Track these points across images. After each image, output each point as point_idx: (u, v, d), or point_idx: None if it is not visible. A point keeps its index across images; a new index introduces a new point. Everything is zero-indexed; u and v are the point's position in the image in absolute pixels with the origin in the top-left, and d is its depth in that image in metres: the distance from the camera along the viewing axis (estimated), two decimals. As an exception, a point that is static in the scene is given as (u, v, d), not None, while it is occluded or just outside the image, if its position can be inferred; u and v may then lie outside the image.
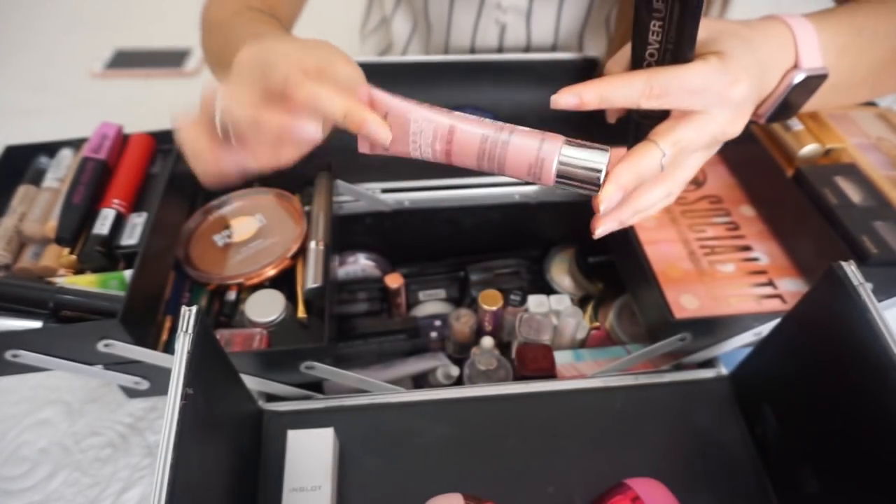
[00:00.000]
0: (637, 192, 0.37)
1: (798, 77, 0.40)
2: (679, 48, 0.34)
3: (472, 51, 0.74)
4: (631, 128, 0.39)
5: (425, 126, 0.34)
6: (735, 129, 0.38)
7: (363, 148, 0.36)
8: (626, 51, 0.37)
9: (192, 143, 0.36)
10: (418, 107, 0.34)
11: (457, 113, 0.34)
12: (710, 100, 0.35)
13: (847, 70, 0.44)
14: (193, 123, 0.36)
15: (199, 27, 0.59)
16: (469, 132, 0.33)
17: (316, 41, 0.38)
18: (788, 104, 0.42)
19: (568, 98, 0.34)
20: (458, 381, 0.53)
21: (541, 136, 0.33)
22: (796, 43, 0.40)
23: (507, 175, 0.34)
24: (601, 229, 0.37)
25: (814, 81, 0.41)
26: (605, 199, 0.34)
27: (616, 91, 0.34)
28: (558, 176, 0.33)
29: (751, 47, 0.37)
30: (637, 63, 0.36)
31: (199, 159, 0.37)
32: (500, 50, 0.74)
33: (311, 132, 0.35)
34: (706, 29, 0.37)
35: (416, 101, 0.34)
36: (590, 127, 0.54)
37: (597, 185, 0.33)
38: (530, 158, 0.32)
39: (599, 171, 0.32)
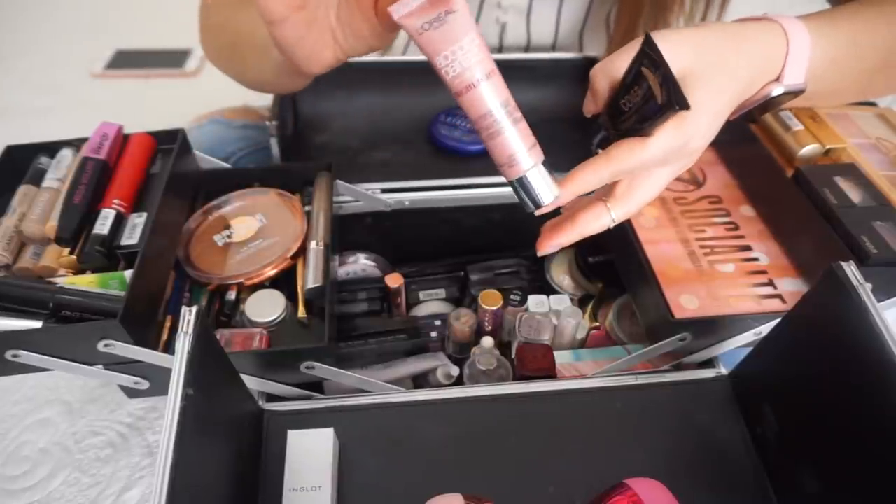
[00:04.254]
0: (580, 222, 0.40)
1: (776, 91, 0.41)
2: (651, 121, 0.35)
3: (473, 50, 0.73)
4: (594, 132, 0.42)
5: (462, 56, 0.33)
6: (688, 167, 0.40)
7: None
8: (613, 66, 0.37)
9: None
10: (475, 31, 0.33)
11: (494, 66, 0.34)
12: (669, 160, 0.37)
13: (835, 77, 0.44)
14: None
15: (200, 31, 0.59)
16: (483, 96, 0.34)
17: None
18: (755, 111, 0.43)
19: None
20: (458, 381, 0.53)
21: (530, 144, 0.35)
22: (786, 58, 0.40)
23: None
24: (542, 253, 0.41)
25: (789, 95, 0.42)
26: (543, 249, 0.40)
27: (585, 187, 0.37)
28: (511, 182, 0.36)
29: (728, 72, 0.38)
30: (619, 94, 0.37)
31: None
32: (500, 49, 0.74)
33: None
34: (693, 46, 0.37)
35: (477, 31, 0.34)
36: (586, 126, 0.54)
37: (532, 209, 0.37)
38: (506, 156, 0.35)
39: (539, 204, 0.36)
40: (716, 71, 0.37)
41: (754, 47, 0.40)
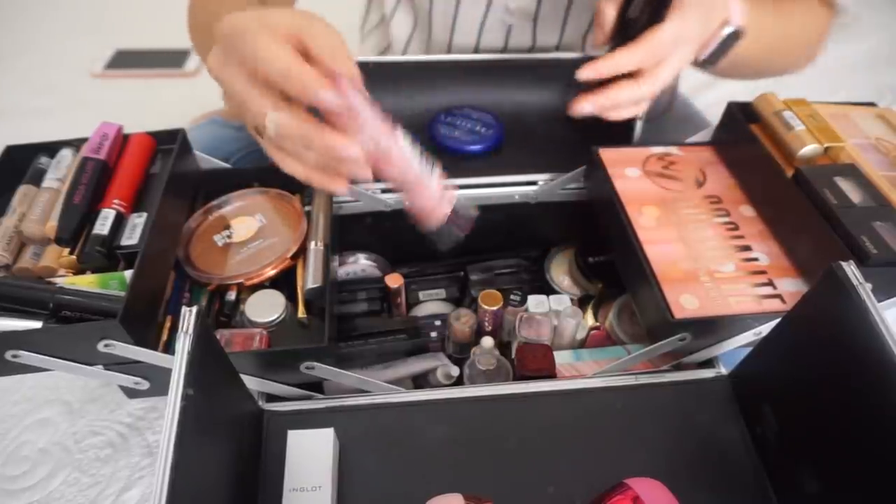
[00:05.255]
0: (615, 89, 0.49)
1: (727, 30, 0.51)
2: (657, 12, 0.47)
3: (476, 51, 0.73)
4: (617, 29, 0.50)
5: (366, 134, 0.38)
6: (692, 55, 0.51)
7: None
8: None
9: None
10: (374, 121, 0.38)
11: (401, 143, 0.39)
12: (678, 44, 0.48)
13: (756, 34, 0.53)
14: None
15: (189, 30, 0.59)
16: (405, 153, 0.39)
17: (294, 10, 0.41)
18: (713, 54, 0.53)
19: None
20: (458, 381, 0.53)
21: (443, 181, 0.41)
22: (729, 3, 0.50)
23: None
24: (574, 111, 0.50)
25: (733, 39, 0.52)
26: (577, 110, 0.49)
27: (620, 64, 0.47)
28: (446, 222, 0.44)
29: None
30: (624, 8, 0.48)
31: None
32: (504, 51, 0.74)
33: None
34: None
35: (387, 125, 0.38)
36: (586, 126, 0.54)
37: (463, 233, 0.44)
38: (437, 198, 0.41)
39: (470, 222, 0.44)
40: None
41: None
